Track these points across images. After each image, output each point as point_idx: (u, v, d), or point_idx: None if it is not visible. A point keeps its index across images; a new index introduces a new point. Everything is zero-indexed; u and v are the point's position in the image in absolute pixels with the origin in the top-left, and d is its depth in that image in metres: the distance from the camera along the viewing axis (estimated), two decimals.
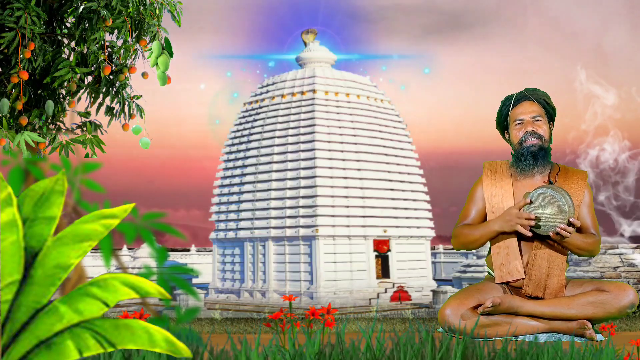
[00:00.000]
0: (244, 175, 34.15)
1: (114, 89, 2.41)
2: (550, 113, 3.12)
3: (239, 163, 34.55)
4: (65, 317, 1.49)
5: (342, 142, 32.67)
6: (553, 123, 3.14)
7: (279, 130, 33.37)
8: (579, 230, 3.03)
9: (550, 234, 2.86)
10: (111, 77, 2.40)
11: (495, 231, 2.98)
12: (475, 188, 3.17)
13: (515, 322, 2.91)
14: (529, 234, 2.90)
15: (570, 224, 2.84)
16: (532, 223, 2.87)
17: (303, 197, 31.95)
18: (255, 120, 34.65)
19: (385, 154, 33.67)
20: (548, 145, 3.08)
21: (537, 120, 3.07)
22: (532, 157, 3.03)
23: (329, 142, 32.42)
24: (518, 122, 3.09)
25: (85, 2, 2.27)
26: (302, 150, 32.39)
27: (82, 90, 2.41)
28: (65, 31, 2.35)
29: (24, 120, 2.24)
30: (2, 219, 1.52)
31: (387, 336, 2.46)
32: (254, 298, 32.79)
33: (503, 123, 3.16)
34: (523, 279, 3.01)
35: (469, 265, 31.38)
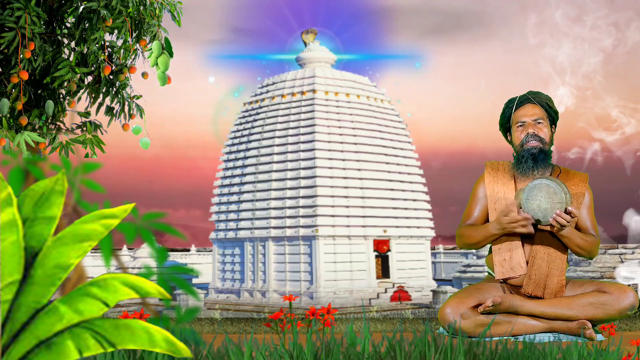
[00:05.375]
0: (244, 175, 34.15)
1: (114, 89, 2.41)
2: (552, 116, 3.13)
3: (239, 163, 34.55)
4: (65, 317, 1.49)
5: (342, 142, 32.67)
6: (555, 126, 3.16)
7: (279, 130, 33.37)
8: (579, 231, 3.03)
9: (550, 220, 2.86)
10: (111, 77, 2.40)
11: (494, 235, 3.00)
12: (477, 186, 3.17)
13: (516, 322, 2.91)
14: (532, 230, 2.91)
15: (567, 212, 2.84)
16: (530, 220, 2.88)
17: (303, 197, 31.95)
18: (255, 120, 34.66)
19: (385, 154, 33.67)
20: (549, 147, 3.09)
21: (539, 122, 3.08)
22: (533, 159, 3.03)
23: (329, 142, 32.42)
24: (520, 124, 3.10)
25: (85, 2, 2.27)
26: (302, 150, 32.39)
27: (82, 90, 2.41)
28: (65, 31, 2.35)
29: (24, 120, 2.24)
30: (2, 219, 1.52)
31: (386, 336, 2.46)
32: (254, 298, 32.79)
33: (505, 125, 3.18)
34: (522, 276, 3.01)
35: (469, 265, 31.38)
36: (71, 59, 2.32)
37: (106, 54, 2.36)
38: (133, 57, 2.43)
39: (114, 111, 2.46)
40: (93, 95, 2.42)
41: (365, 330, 2.37)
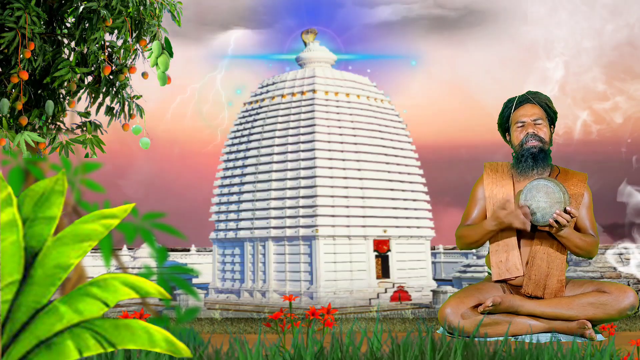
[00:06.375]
0: (244, 175, 34.16)
1: (114, 89, 2.41)
2: (551, 116, 3.14)
3: (239, 163, 34.56)
4: (65, 317, 1.49)
5: (342, 142, 32.68)
6: (554, 126, 3.16)
7: (279, 130, 33.38)
8: (578, 231, 3.04)
9: (550, 220, 2.86)
10: (111, 77, 2.40)
11: (491, 231, 2.99)
12: (477, 188, 3.18)
13: (516, 322, 2.91)
14: (528, 226, 2.91)
15: (567, 212, 2.85)
16: (528, 216, 2.88)
17: (303, 197, 31.95)
18: (255, 120, 34.66)
19: (385, 154, 33.67)
20: (548, 147, 3.09)
21: (538, 122, 3.09)
22: (532, 159, 3.04)
23: (329, 142, 32.42)
24: (519, 124, 3.10)
25: (85, 2, 2.27)
26: (302, 150, 32.39)
27: (82, 90, 2.41)
28: (65, 31, 2.35)
29: (24, 120, 2.24)
30: (2, 219, 1.52)
31: (387, 336, 2.46)
32: (254, 298, 32.79)
33: (504, 125, 3.18)
34: (522, 276, 3.01)
35: (469, 265, 31.38)
36: (71, 59, 2.32)
37: (106, 54, 2.36)
38: (133, 57, 2.43)
39: (114, 111, 2.46)
40: (93, 95, 2.42)
41: (375, 331, 2.37)
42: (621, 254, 12.42)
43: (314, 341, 2.30)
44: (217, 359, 2.26)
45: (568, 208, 2.85)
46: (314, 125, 32.39)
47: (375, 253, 32.76)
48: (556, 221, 2.85)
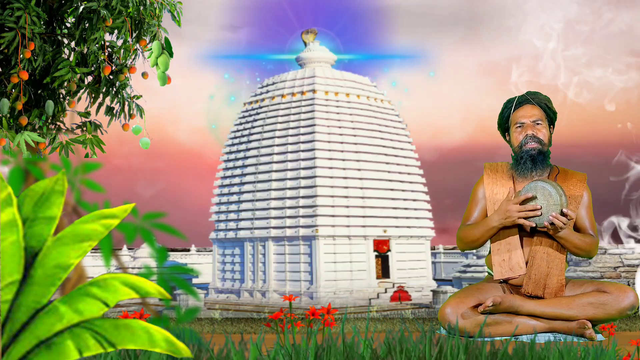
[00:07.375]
0: (244, 175, 34.15)
1: (114, 89, 2.41)
2: (550, 117, 3.14)
3: (239, 163, 34.55)
4: (65, 317, 1.49)
5: (342, 142, 32.67)
6: (553, 127, 3.16)
7: (279, 130, 33.37)
8: (578, 231, 3.04)
9: (545, 223, 2.86)
10: (111, 77, 2.40)
11: (494, 227, 2.99)
12: (477, 188, 3.18)
13: (516, 322, 2.92)
14: (532, 224, 2.91)
15: (563, 214, 2.85)
16: (536, 213, 2.89)
17: (303, 197, 31.94)
18: (256, 121, 34.66)
19: (385, 154, 33.67)
20: (547, 148, 3.10)
21: (538, 123, 3.09)
22: (531, 161, 3.04)
23: (329, 142, 32.41)
24: (519, 125, 3.10)
25: (85, 2, 2.27)
26: (302, 150, 32.39)
27: (82, 90, 2.41)
28: (65, 31, 2.35)
29: (24, 120, 2.24)
30: (2, 219, 1.52)
31: (386, 336, 2.46)
32: (254, 298, 32.79)
33: (504, 125, 3.18)
34: (523, 275, 3.02)
35: (469, 265, 31.38)
36: (71, 59, 2.32)
37: (106, 54, 2.36)
38: (133, 57, 2.43)
39: (114, 111, 2.46)
40: (93, 95, 2.42)
41: (373, 331, 2.37)
42: (621, 253, 12.41)
43: (314, 341, 2.30)
44: (218, 358, 2.26)
45: (565, 210, 2.85)
46: (314, 125, 32.39)
47: (375, 253, 32.76)
48: (552, 223, 2.86)
